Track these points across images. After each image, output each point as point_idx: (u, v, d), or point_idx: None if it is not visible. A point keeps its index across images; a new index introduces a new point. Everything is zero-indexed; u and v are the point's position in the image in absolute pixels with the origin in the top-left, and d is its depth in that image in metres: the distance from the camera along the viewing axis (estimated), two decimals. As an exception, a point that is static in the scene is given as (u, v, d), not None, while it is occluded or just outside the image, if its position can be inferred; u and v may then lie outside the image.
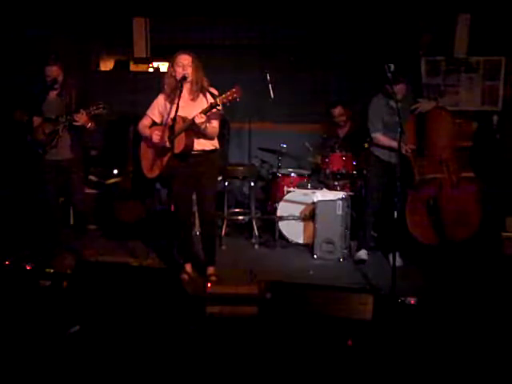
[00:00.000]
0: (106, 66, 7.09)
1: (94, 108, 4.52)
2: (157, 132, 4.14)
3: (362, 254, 4.91)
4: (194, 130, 4.02)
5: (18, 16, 6.21)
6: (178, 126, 3.92)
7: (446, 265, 4.57)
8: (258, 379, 2.82)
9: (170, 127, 3.96)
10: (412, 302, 3.58)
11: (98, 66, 6.95)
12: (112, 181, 5.93)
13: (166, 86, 4.12)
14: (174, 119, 3.84)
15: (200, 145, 4.14)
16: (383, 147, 4.71)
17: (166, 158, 4.13)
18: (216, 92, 4.07)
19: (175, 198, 4.25)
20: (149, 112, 4.26)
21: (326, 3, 6.10)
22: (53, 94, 4.69)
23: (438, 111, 4.60)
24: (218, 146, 4.27)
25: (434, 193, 4.54)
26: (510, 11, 5.71)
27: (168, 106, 4.12)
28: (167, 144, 4.04)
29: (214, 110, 3.95)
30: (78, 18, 6.39)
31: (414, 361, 2.96)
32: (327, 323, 3.23)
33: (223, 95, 3.88)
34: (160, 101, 4.20)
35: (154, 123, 4.27)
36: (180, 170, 4.12)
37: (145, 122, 4.28)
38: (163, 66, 7.35)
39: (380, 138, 4.75)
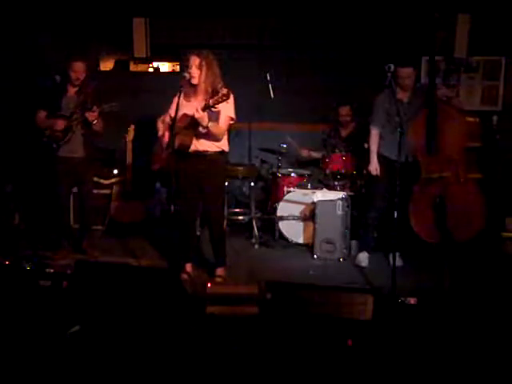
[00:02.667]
0: (106, 66, 7.09)
1: (107, 106, 4.63)
2: (162, 128, 4.24)
3: (363, 258, 4.86)
4: (195, 129, 4.04)
5: (18, 16, 6.21)
6: (180, 124, 3.97)
7: (446, 265, 4.56)
8: (258, 379, 2.82)
9: (170, 125, 4.01)
10: (412, 301, 3.57)
11: (98, 65, 6.95)
12: (112, 181, 5.93)
13: (183, 84, 4.12)
14: (174, 118, 3.89)
15: (202, 145, 4.14)
16: (390, 144, 4.56)
17: (166, 154, 4.18)
18: (228, 94, 4.05)
19: (179, 197, 4.25)
20: (170, 110, 4.24)
21: (327, 2, 6.10)
22: (72, 91, 4.75)
23: (449, 109, 4.54)
24: (225, 148, 4.25)
25: (440, 191, 4.47)
26: (510, 11, 5.71)
27: (184, 102, 4.12)
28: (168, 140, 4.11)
29: (220, 111, 4.01)
30: (78, 18, 6.39)
31: (414, 361, 2.95)
32: (327, 323, 3.23)
33: (215, 97, 3.95)
34: (178, 98, 4.18)
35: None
36: (183, 169, 4.13)
37: (164, 119, 4.31)
38: (163, 66, 7.35)
39: (372, 133, 4.75)
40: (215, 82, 4.08)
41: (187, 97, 4.13)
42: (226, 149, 4.27)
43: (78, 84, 4.71)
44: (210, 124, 3.98)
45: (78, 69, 4.66)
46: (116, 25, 6.47)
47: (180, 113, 4.01)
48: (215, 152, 4.18)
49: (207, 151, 4.15)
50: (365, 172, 5.16)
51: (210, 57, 4.09)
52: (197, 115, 3.91)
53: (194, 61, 4.04)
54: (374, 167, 4.71)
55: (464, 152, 4.50)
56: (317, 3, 6.12)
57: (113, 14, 6.37)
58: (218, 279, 4.35)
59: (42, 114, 4.74)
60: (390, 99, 4.56)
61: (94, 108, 4.58)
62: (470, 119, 4.59)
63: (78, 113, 4.64)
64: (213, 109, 3.96)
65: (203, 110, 3.93)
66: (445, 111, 4.51)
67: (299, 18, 6.30)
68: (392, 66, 4.10)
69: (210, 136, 4.09)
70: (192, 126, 4.03)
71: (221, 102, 3.93)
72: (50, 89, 4.93)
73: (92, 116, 4.59)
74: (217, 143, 4.17)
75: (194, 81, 4.06)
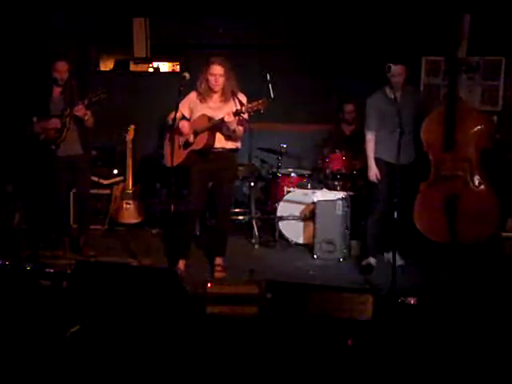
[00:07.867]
0: (106, 66, 7.09)
1: (93, 96, 4.57)
2: (185, 125, 4.36)
3: (371, 260, 4.72)
4: (220, 129, 4.24)
5: (18, 15, 6.21)
6: (199, 124, 4.22)
7: (446, 265, 4.56)
8: (257, 379, 2.82)
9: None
10: (412, 301, 3.58)
11: (98, 65, 6.95)
12: (112, 181, 5.93)
13: (199, 86, 4.32)
14: (199, 118, 4.17)
15: (221, 143, 4.32)
16: (389, 147, 4.43)
17: (187, 151, 4.36)
18: (244, 98, 4.28)
19: (190, 192, 4.44)
20: (181, 106, 4.39)
21: (328, 2, 6.10)
22: (57, 91, 4.77)
23: (471, 108, 4.50)
24: (239, 145, 4.47)
25: (452, 190, 4.39)
26: (510, 11, 5.71)
27: (198, 103, 4.33)
28: (191, 139, 4.30)
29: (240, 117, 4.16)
30: (77, 18, 6.39)
31: (414, 361, 2.95)
32: (327, 323, 3.23)
33: (249, 104, 4.09)
34: (192, 97, 4.41)
35: (183, 117, 4.44)
36: (200, 165, 4.35)
37: (176, 115, 4.40)
38: (163, 66, 7.35)
39: (368, 138, 4.58)
40: (235, 86, 4.30)
41: (201, 97, 4.32)
42: (240, 146, 4.48)
43: (62, 84, 4.73)
44: (237, 127, 4.19)
45: (61, 68, 4.67)
46: (116, 25, 6.48)
47: (197, 113, 4.27)
48: (230, 149, 4.38)
49: (224, 148, 4.34)
50: (365, 174, 5.12)
51: (228, 63, 4.27)
52: (227, 119, 4.08)
53: (219, 70, 4.21)
54: (373, 173, 4.56)
55: (480, 153, 4.41)
56: (317, 3, 6.12)
57: (113, 14, 6.37)
58: (218, 268, 4.47)
59: (35, 119, 4.74)
60: (384, 100, 4.49)
61: (79, 102, 4.56)
62: (492, 119, 4.52)
63: (68, 109, 4.64)
64: (242, 114, 4.10)
65: (235, 114, 4.09)
66: (466, 110, 4.47)
67: (300, 18, 6.29)
68: (392, 66, 4.09)
69: (231, 137, 4.29)
70: (216, 127, 4.21)
71: (256, 110, 4.05)
72: (38, 93, 4.90)
73: (80, 111, 4.57)
74: (233, 141, 4.36)
75: (217, 88, 4.25)
